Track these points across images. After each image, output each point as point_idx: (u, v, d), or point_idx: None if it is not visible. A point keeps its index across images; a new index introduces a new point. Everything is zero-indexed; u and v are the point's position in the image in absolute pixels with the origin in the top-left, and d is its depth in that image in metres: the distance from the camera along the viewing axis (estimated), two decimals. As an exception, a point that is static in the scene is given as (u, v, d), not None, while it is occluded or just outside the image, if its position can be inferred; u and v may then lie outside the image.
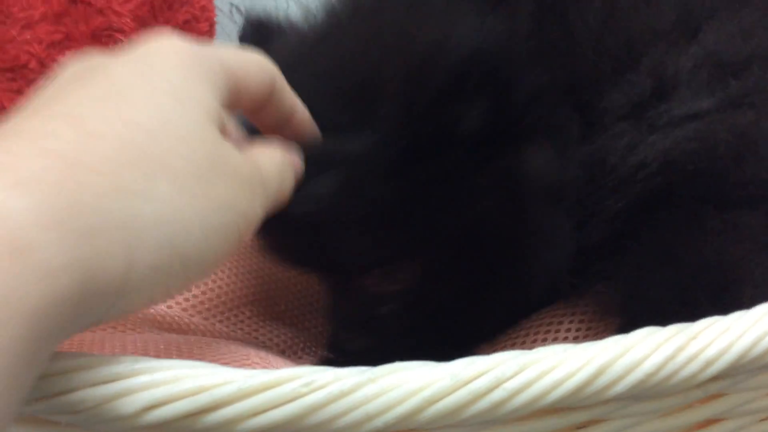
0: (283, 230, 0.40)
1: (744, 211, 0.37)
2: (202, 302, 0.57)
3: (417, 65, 0.36)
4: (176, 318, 0.53)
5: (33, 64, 0.55)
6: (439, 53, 0.36)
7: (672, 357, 0.31)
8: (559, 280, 0.42)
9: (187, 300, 0.55)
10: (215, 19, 0.70)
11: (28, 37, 0.55)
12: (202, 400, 0.28)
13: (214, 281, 0.58)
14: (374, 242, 0.40)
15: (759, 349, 0.32)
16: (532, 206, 0.40)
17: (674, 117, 0.38)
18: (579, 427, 0.33)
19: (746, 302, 0.33)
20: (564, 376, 0.30)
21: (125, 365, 0.29)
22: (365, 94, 0.38)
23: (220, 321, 0.57)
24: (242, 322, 0.59)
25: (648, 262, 0.38)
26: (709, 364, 0.31)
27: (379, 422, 0.29)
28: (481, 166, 0.38)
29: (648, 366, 0.31)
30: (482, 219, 0.40)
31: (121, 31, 0.59)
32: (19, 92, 0.54)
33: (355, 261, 0.42)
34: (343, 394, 0.29)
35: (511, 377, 0.30)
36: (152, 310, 0.53)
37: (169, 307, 0.54)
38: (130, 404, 0.28)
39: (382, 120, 0.37)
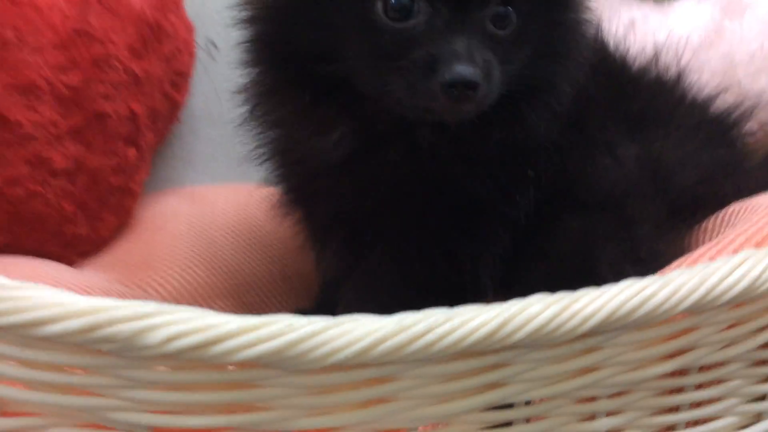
0: None
1: (596, 213, 0.49)
2: (180, 294, 0.65)
3: None
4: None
5: (43, 85, 0.63)
6: None
7: (558, 313, 0.41)
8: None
9: (164, 288, 0.63)
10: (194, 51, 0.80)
11: (39, 60, 0.63)
12: (210, 334, 0.37)
13: (192, 276, 0.67)
14: None
15: (623, 311, 0.42)
16: None
17: None
18: (491, 369, 0.43)
19: (602, 280, 0.44)
20: (479, 324, 0.40)
21: (151, 306, 0.37)
22: None
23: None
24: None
25: (526, 258, 0.49)
26: (585, 319, 0.41)
27: (341, 356, 0.39)
28: None
29: (541, 319, 0.41)
30: None
31: (118, 60, 0.68)
32: (32, 108, 0.62)
33: None
34: (315, 333, 0.39)
35: (441, 324, 0.40)
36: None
37: (146, 291, 0.62)
38: (154, 337, 0.37)
39: None
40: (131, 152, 0.69)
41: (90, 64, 0.66)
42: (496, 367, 0.43)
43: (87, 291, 0.56)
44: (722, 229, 0.54)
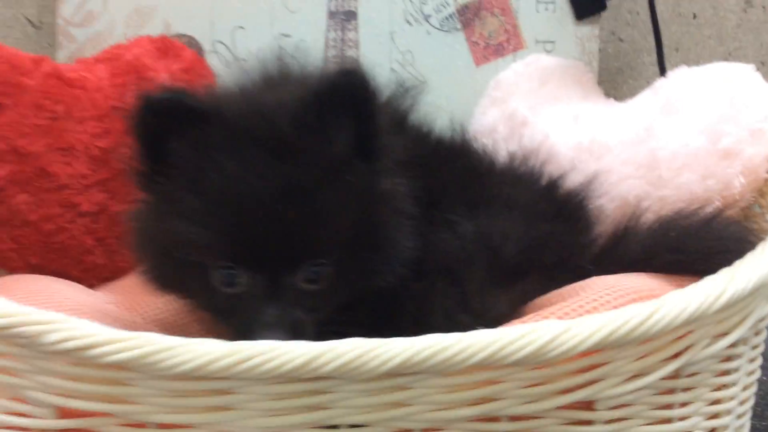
0: None
1: (433, 276, 0.57)
2: (164, 316, 0.78)
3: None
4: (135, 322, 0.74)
5: (80, 147, 0.79)
6: None
7: (362, 354, 0.49)
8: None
9: (149, 311, 0.76)
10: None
11: (80, 129, 0.80)
12: (88, 341, 0.49)
13: (177, 304, 0.79)
14: None
15: (418, 358, 0.50)
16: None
17: None
18: (313, 393, 0.51)
19: (438, 328, 0.52)
20: (295, 356, 0.49)
21: (51, 315, 0.50)
22: None
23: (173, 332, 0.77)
24: (191, 335, 0.79)
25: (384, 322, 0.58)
26: (385, 361, 0.49)
27: (185, 368, 0.49)
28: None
29: (346, 357, 0.49)
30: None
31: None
32: (68, 164, 0.79)
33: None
34: (166, 349, 0.49)
35: (265, 352, 0.49)
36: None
37: (134, 311, 0.75)
38: (50, 337, 0.49)
39: None
40: (149, 202, 0.84)
41: (121, 132, 0.81)
42: (317, 392, 0.51)
43: (78, 307, 0.69)
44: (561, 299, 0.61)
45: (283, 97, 0.58)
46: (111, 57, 0.86)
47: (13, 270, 0.79)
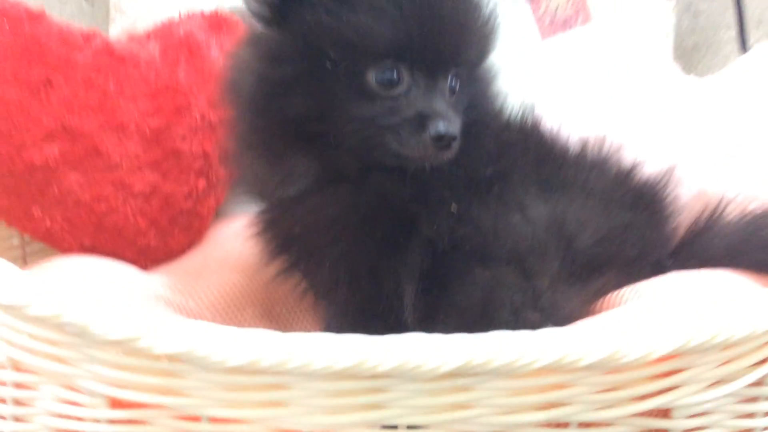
0: None
1: (502, 265, 0.55)
2: (217, 300, 0.77)
3: None
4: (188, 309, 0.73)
5: (131, 126, 0.78)
6: None
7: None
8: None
9: (204, 294, 0.75)
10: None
11: (131, 107, 0.79)
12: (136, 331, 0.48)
13: (231, 286, 0.78)
14: None
15: (479, 360, 0.47)
16: None
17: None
18: (370, 392, 0.50)
19: (504, 325, 0.49)
20: (350, 353, 0.48)
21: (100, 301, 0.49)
22: None
23: (227, 317, 0.76)
24: (245, 320, 0.78)
25: (442, 307, 0.56)
26: (446, 362, 0.47)
27: (236, 362, 0.48)
28: None
29: (403, 355, 0.47)
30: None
31: (197, 108, 0.82)
32: (120, 143, 0.78)
33: None
34: (215, 341, 0.48)
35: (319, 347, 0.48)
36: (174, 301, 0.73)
37: (190, 296, 0.75)
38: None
39: None
40: (201, 183, 0.83)
41: (172, 111, 0.81)
42: (374, 391, 0.50)
43: (130, 292, 0.69)
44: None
45: None
46: (163, 32, 0.85)
47: (65, 250, 0.79)
